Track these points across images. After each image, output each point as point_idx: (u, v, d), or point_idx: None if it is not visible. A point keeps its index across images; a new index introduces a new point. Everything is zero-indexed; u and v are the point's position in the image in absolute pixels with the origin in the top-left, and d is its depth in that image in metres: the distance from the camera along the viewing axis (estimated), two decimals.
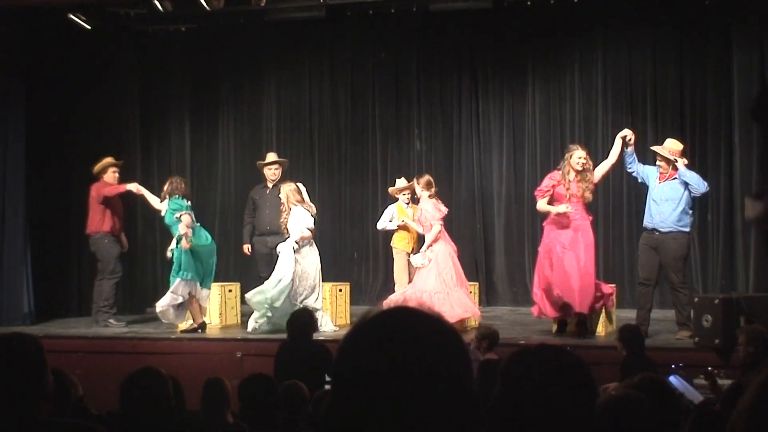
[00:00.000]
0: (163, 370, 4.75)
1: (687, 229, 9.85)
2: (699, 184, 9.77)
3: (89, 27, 12.59)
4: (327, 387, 6.93)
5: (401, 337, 1.54)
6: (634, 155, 10.05)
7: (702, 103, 12.67)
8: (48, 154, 12.82)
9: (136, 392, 4.55)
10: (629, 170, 10.21)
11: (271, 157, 11.99)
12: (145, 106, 13.90)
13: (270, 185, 11.81)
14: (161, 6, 12.37)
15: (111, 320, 11.34)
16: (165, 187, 11.02)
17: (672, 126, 12.62)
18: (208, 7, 12.33)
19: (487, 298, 13.18)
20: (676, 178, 9.83)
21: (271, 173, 11.85)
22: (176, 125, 14.30)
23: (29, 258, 12.12)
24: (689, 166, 10.04)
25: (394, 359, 1.51)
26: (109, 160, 11.79)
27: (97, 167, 11.70)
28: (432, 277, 10.48)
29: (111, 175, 11.69)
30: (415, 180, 11.10)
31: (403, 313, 1.59)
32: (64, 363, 8.04)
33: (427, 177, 10.99)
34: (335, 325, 10.81)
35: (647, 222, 9.98)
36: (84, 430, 2.86)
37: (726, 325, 8.62)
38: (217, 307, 11.33)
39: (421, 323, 1.57)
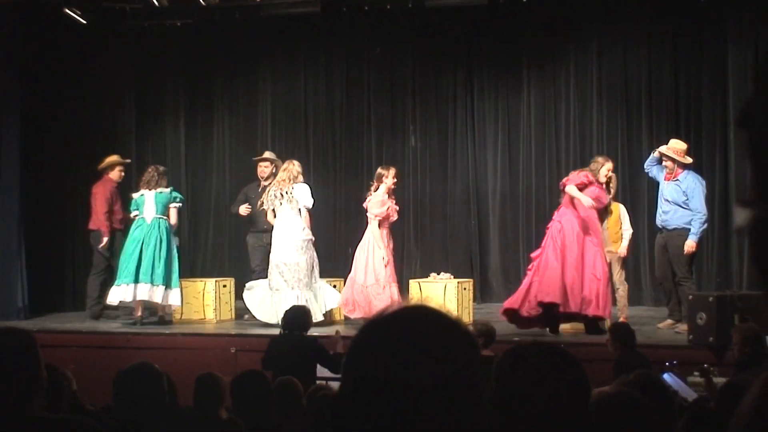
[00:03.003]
0: (157, 365, 4.75)
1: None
2: (696, 222, 9.97)
3: (85, 21, 12.57)
4: (318, 382, 6.94)
5: (415, 339, 1.51)
6: (656, 160, 10.30)
7: (697, 100, 12.69)
8: (43, 149, 12.82)
9: (130, 387, 4.55)
10: (645, 169, 10.56)
11: (266, 155, 12.00)
12: (140, 100, 13.90)
13: (264, 183, 11.79)
14: (157, 1, 12.35)
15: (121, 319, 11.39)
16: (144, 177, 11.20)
17: (667, 123, 12.65)
18: (203, 2, 12.32)
19: (481, 294, 13.18)
20: (678, 179, 10.09)
21: (260, 170, 11.85)
22: (171, 120, 14.29)
23: (23, 252, 12.09)
24: (693, 165, 10.33)
25: (405, 362, 1.48)
26: (115, 158, 11.85)
27: (103, 164, 11.75)
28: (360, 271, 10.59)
29: (117, 174, 11.78)
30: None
31: (419, 313, 1.56)
32: (59, 358, 8.03)
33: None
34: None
35: (657, 221, 10.36)
36: (78, 425, 2.85)
37: (720, 323, 8.61)
38: (211, 303, 11.31)
39: (435, 325, 1.54)
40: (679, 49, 12.77)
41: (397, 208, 10.92)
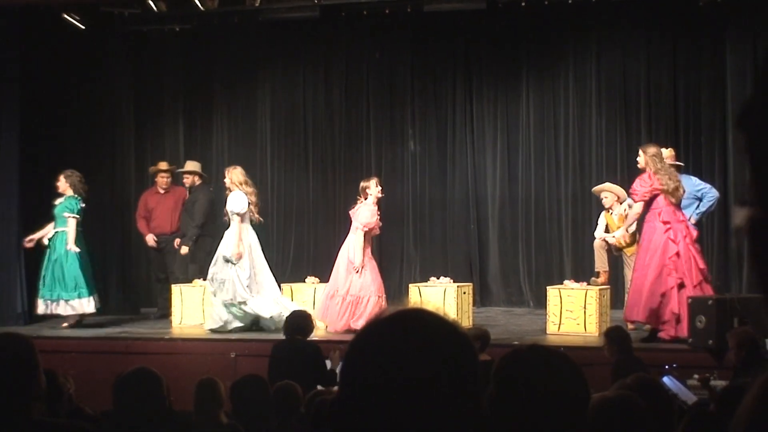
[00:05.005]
0: (156, 370, 4.74)
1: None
2: (706, 198, 10.30)
3: (83, 27, 12.58)
4: (320, 387, 6.94)
5: (412, 342, 1.50)
6: None
7: (696, 104, 12.69)
8: (42, 154, 12.81)
9: (130, 392, 4.54)
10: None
11: (189, 165, 12.39)
12: (139, 106, 13.89)
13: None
14: (155, 6, 12.36)
15: None
16: (61, 182, 11.27)
17: (666, 127, 12.65)
18: (202, 7, 12.32)
19: (481, 298, 13.17)
20: None
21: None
22: (170, 125, 14.27)
23: (23, 258, 12.08)
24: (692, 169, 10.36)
25: (403, 365, 1.48)
26: (159, 165, 12.39)
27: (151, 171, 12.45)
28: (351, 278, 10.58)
29: (160, 179, 12.27)
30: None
31: (416, 316, 1.56)
32: (58, 363, 8.02)
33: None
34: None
35: None
36: (77, 430, 2.85)
37: (720, 326, 8.59)
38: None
39: (432, 328, 1.54)
40: (678, 53, 12.77)
41: (380, 223, 10.89)
